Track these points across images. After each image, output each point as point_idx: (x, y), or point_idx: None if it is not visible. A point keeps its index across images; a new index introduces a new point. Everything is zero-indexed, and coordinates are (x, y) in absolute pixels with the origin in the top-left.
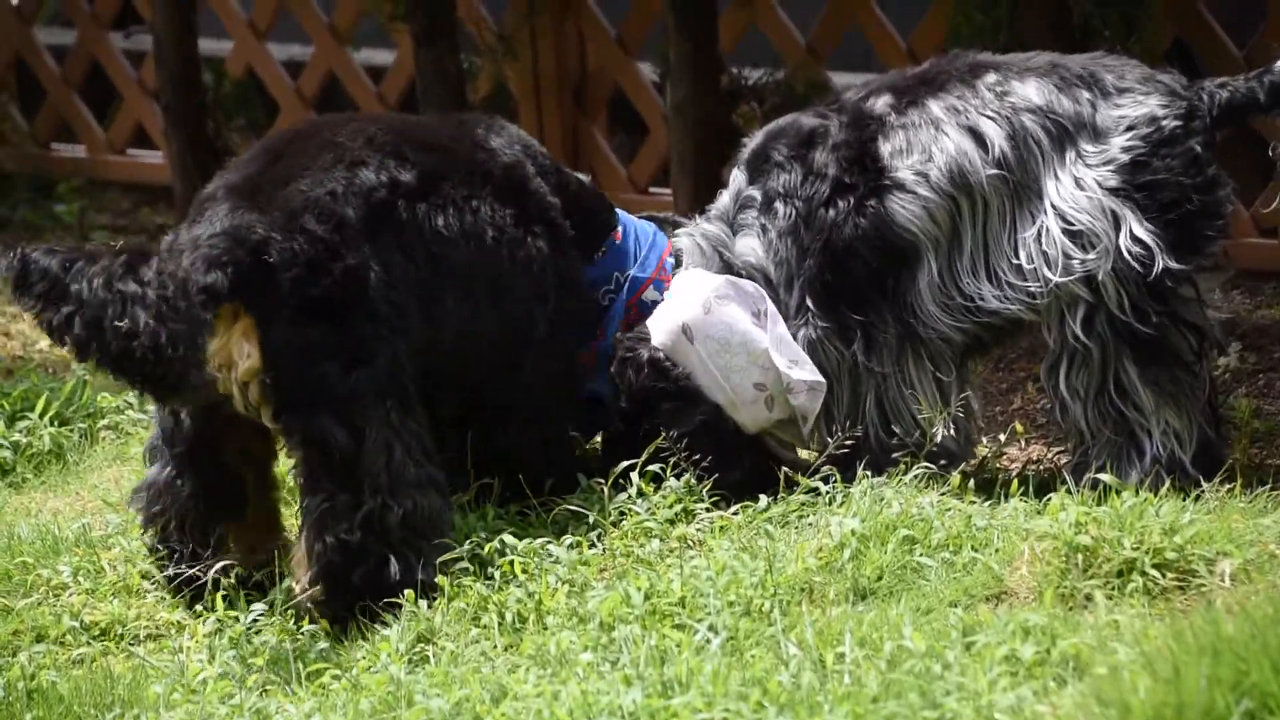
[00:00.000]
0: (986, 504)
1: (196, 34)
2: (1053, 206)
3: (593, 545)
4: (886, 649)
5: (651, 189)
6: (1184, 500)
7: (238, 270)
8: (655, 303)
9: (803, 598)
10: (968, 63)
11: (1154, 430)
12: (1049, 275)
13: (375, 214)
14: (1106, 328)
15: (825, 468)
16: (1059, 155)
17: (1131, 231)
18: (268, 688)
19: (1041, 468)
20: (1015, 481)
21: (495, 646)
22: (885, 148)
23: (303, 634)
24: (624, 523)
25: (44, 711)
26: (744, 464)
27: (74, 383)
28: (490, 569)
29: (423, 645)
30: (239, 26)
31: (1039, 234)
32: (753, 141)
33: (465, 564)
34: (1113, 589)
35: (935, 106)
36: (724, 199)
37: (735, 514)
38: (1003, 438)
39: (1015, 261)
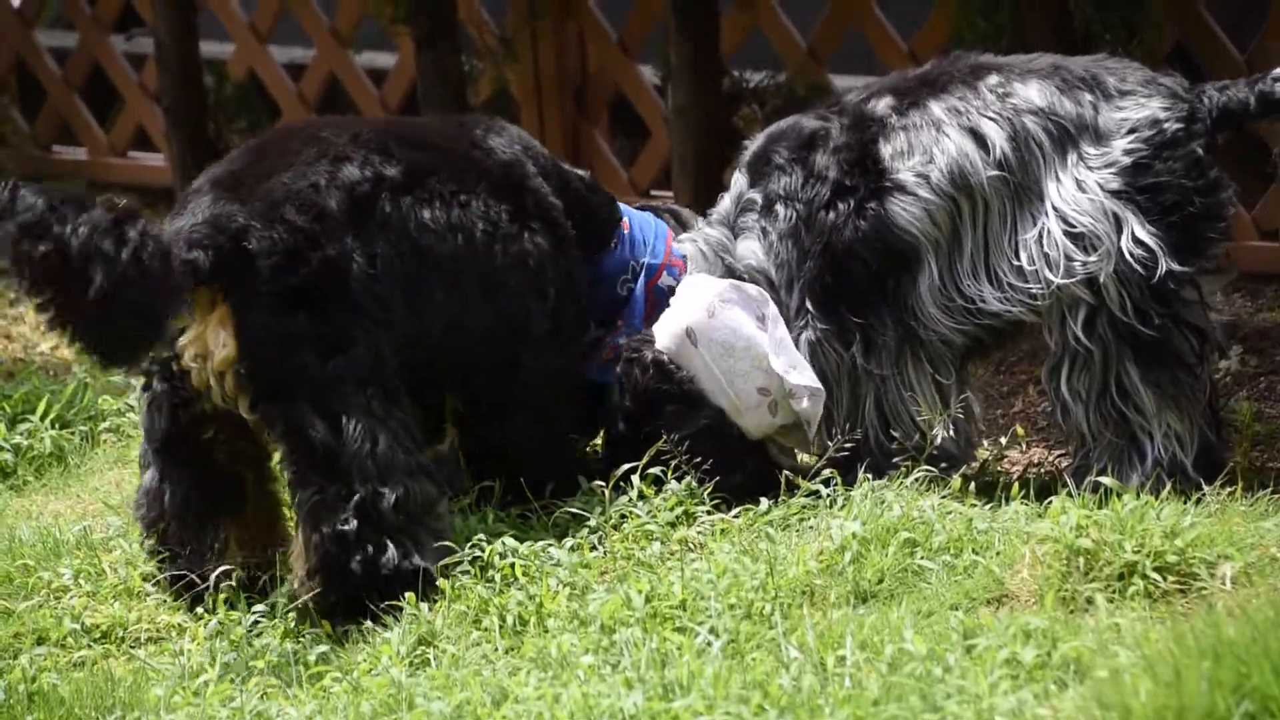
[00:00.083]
0: (987, 507)
1: (198, 36)
2: (1054, 208)
3: (594, 548)
4: (887, 652)
5: (652, 191)
6: (1185, 503)
7: (218, 254)
8: (670, 289)
9: (804, 601)
10: (969, 64)
11: (1155, 433)
12: (1050, 277)
13: (358, 206)
14: (1108, 330)
15: (825, 470)
16: (1060, 157)
17: (1133, 233)
18: (269, 690)
19: (1042, 471)
20: (1016, 484)
21: (496, 649)
22: (886, 149)
23: (304, 636)
24: (625, 525)
25: (45, 714)
26: (745, 467)
27: (75, 385)
28: (491, 571)
29: (424, 648)
30: (240, 29)
31: (1040, 236)
32: (754, 144)
33: (466, 566)
34: (1114, 592)
35: (936, 108)
36: (725, 202)
37: (736, 517)
38: (1004, 440)
39: (1016, 263)
